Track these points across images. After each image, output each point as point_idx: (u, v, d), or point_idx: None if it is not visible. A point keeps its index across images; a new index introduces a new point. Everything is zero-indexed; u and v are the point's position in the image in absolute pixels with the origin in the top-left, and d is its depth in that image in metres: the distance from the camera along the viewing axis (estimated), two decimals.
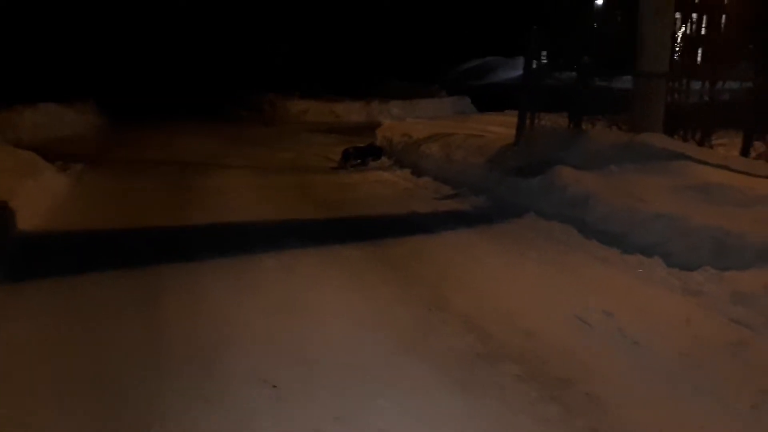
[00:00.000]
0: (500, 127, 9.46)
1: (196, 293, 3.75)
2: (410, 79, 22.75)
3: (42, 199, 5.95)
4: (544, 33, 6.46)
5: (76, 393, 2.59)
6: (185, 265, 4.27)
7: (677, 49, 9.80)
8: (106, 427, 2.35)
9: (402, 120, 13.43)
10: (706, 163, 4.80)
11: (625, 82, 7.22)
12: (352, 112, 18.14)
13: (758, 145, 6.00)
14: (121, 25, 21.24)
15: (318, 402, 2.55)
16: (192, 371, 2.78)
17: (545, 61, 7.52)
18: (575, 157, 5.33)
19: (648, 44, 5.78)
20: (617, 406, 2.54)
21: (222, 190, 7.04)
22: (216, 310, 3.50)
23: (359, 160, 8.41)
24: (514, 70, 26.71)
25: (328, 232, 5.24)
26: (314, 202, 6.48)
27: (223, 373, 2.76)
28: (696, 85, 7.18)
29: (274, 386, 2.65)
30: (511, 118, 8.43)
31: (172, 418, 2.41)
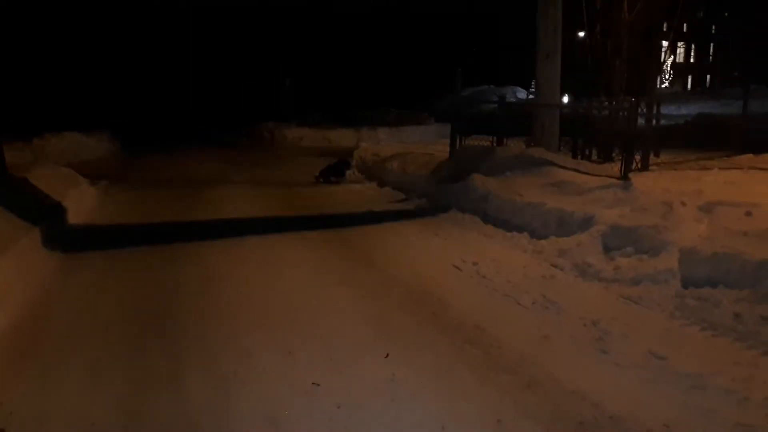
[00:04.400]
0: None
1: (200, 258, 5.46)
2: (405, 107, 24.57)
3: (83, 202, 7.72)
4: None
5: (129, 305, 4.31)
6: (193, 243, 5.99)
7: (668, 77, 11.45)
8: (147, 315, 4.07)
9: (383, 144, 15.27)
10: (564, 167, 6.56)
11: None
12: (343, 138, 19.76)
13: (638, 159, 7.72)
14: (132, 61, 23.30)
15: (276, 304, 4.24)
16: (199, 294, 4.48)
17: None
18: (485, 167, 7.07)
19: (541, 81, 7.57)
20: (454, 304, 4.23)
21: (222, 198, 8.80)
22: (214, 266, 5.21)
23: (336, 175, 10.13)
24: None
25: (301, 223, 6.97)
26: (294, 206, 8.22)
27: (218, 294, 4.47)
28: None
29: (249, 298, 4.36)
30: (471, 141, 10.21)
31: (186, 316, 4.11)
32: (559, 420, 2.74)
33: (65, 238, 6.05)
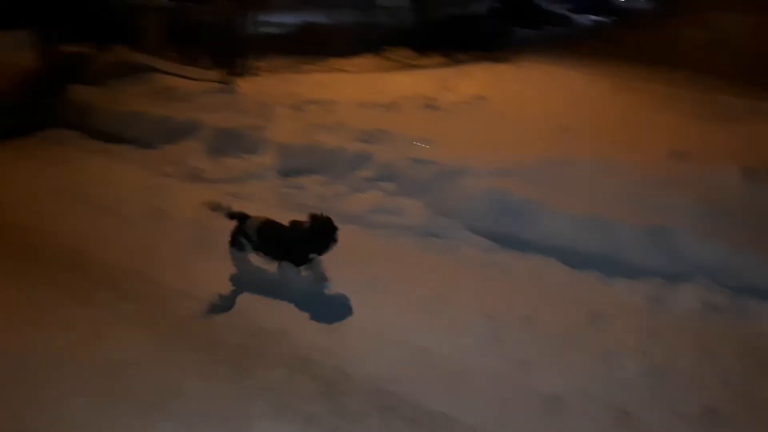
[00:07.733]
0: None
1: None
2: None
3: None
4: None
5: None
6: None
7: None
8: None
9: None
10: (169, 73, 6.47)
11: None
12: None
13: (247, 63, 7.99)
14: None
15: None
16: None
17: None
18: (86, 76, 6.40)
19: None
20: (55, 230, 3.87)
21: None
22: None
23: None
24: None
25: None
26: None
27: None
28: None
29: None
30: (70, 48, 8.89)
31: None
32: (162, 319, 2.86)
33: None
